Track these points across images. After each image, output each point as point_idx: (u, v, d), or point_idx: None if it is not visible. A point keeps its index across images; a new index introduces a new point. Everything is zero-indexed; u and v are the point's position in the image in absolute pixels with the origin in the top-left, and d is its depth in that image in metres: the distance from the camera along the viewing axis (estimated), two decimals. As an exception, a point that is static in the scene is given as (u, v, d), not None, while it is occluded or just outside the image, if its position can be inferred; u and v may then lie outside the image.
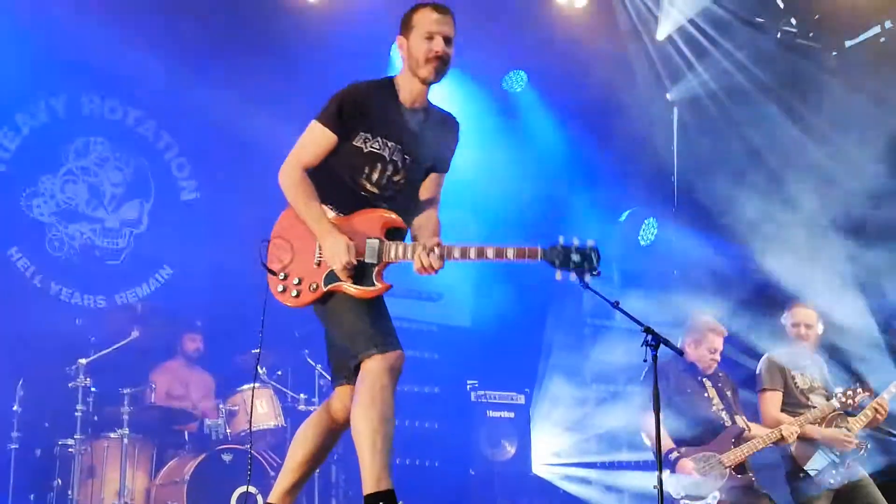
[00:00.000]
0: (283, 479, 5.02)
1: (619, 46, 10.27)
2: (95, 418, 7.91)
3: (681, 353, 6.34)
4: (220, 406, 8.30)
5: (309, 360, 8.94)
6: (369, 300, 4.75)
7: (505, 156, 10.68)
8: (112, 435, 7.90)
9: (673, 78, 11.01)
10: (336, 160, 4.87)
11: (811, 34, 10.41)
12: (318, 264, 4.75)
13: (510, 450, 9.69)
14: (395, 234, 4.84)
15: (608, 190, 11.03)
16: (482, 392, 9.73)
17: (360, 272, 4.73)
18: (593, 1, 10.14)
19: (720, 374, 7.53)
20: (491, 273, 10.64)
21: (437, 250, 4.71)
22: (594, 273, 4.74)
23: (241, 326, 8.72)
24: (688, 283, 10.61)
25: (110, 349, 8.10)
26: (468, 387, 9.74)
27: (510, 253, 4.73)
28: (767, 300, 9.61)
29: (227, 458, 7.96)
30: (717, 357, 7.45)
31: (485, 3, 9.68)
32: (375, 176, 4.87)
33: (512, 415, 9.78)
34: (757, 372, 7.81)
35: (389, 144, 4.89)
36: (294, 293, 4.77)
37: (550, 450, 10.24)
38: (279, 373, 8.92)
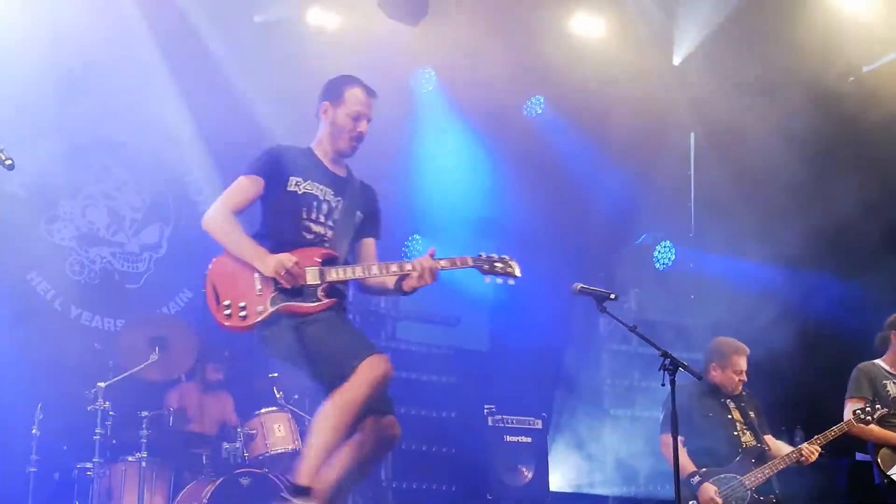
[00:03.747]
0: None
1: (635, 73, 10.28)
2: (114, 441, 7.89)
3: (699, 377, 6.36)
4: (238, 430, 8.30)
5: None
6: (340, 325, 5.13)
7: (522, 180, 10.73)
8: (130, 458, 7.89)
9: (688, 102, 11.04)
10: (275, 211, 5.29)
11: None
12: (260, 292, 5.11)
13: (527, 475, 9.67)
14: (330, 264, 5.21)
15: (626, 214, 11.06)
16: (499, 416, 9.72)
17: (303, 293, 5.11)
18: (610, 29, 10.18)
19: (744, 394, 7.53)
20: (508, 297, 10.66)
21: (395, 267, 5.20)
22: (515, 275, 5.32)
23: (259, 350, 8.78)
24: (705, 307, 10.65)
25: (129, 372, 8.11)
26: (485, 411, 9.72)
27: (443, 263, 5.22)
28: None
29: (245, 481, 7.93)
30: (743, 377, 7.46)
31: (503, 33, 9.76)
32: (314, 215, 5.27)
33: (529, 440, 9.76)
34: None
35: (320, 187, 5.32)
36: (242, 314, 5.11)
37: (568, 476, 10.22)
38: (296, 396, 8.93)
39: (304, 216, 5.25)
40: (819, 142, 10.00)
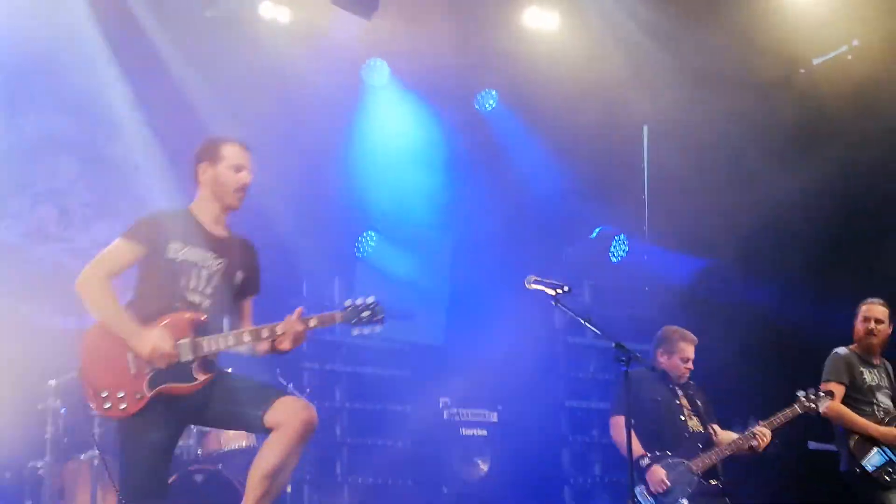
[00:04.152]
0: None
1: (588, 67, 10.31)
2: (65, 440, 7.82)
3: (651, 368, 6.40)
4: (192, 426, 8.24)
5: (280, 379, 8.91)
6: (153, 447, 5.19)
7: (476, 175, 10.74)
8: (82, 457, 7.82)
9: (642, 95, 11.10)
10: (152, 279, 5.28)
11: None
12: (136, 374, 5.11)
13: (483, 468, 9.69)
14: (202, 331, 5.22)
15: (579, 207, 11.09)
16: (455, 410, 9.73)
17: (178, 372, 5.13)
18: (564, 22, 10.20)
19: (691, 383, 7.60)
20: (463, 291, 10.69)
21: (266, 331, 5.27)
22: (382, 322, 5.44)
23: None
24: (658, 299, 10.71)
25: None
26: (441, 405, 9.73)
27: (312, 322, 5.31)
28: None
29: (198, 478, 7.90)
30: (690, 366, 7.52)
31: (456, 26, 9.78)
32: (192, 282, 5.27)
33: (485, 433, 9.78)
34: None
35: (201, 252, 5.32)
36: (122, 406, 5.10)
37: (523, 468, 10.24)
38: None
39: (183, 283, 5.27)
40: (771, 133, 10.10)
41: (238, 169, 5.46)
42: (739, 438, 7.21)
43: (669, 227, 11.05)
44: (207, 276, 5.33)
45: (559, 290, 6.39)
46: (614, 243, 11.50)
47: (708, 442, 7.25)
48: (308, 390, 9.68)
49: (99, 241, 9.37)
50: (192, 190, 9.49)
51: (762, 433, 7.18)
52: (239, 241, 5.57)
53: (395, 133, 10.61)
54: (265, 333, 5.28)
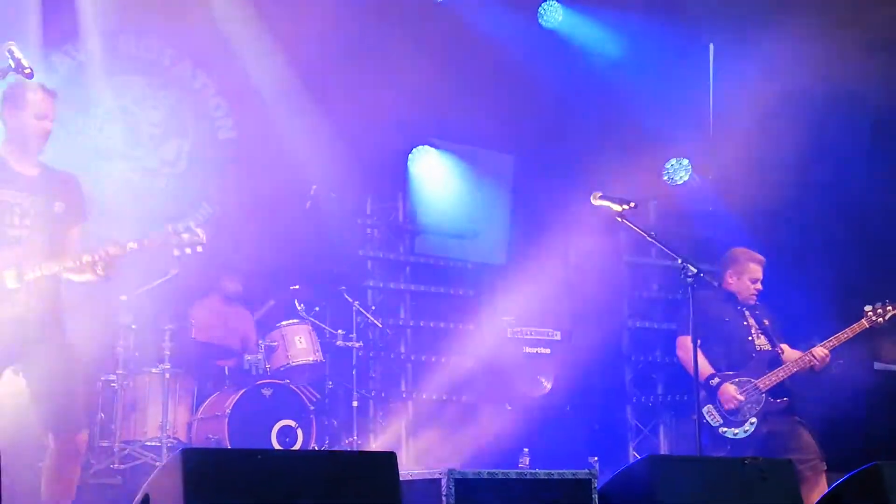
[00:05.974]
0: None
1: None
2: (137, 354, 8.00)
3: (718, 284, 6.36)
4: (260, 342, 8.39)
5: (346, 296, 9.02)
6: None
7: (537, 91, 10.63)
8: (154, 370, 8.00)
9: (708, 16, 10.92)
10: None
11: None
12: None
13: (546, 385, 9.76)
14: (26, 262, 5.46)
15: (644, 128, 10.95)
16: (518, 328, 9.77)
17: (7, 296, 5.41)
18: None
19: (759, 304, 7.55)
20: (526, 210, 10.68)
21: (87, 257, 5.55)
22: (201, 243, 5.87)
23: (280, 263, 8.82)
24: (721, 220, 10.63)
25: (150, 286, 8.15)
26: (504, 323, 9.78)
27: (130, 245, 5.73)
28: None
29: (266, 392, 8.06)
30: (759, 286, 7.45)
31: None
32: (9, 219, 5.47)
33: (548, 351, 9.83)
34: None
35: (11, 192, 5.51)
36: None
37: (588, 385, 10.29)
38: (317, 309, 9.01)
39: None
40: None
41: (41, 117, 5.61)
42: (804, 356, 7.19)
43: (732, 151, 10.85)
44: (21, 212, 5.52)
45: (625, 206, 6.37)
46: (677, 166, 11.38)
47: (775, 359, 7.23)
48: (373, 307, 9.78)
49: (167, 160, 9.51)
50: (254, 112, 9.64)
51: (820, 354, 7.16)
52: (56, 174, 5.77)
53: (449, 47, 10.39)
54: (87, 259, 5.56)
